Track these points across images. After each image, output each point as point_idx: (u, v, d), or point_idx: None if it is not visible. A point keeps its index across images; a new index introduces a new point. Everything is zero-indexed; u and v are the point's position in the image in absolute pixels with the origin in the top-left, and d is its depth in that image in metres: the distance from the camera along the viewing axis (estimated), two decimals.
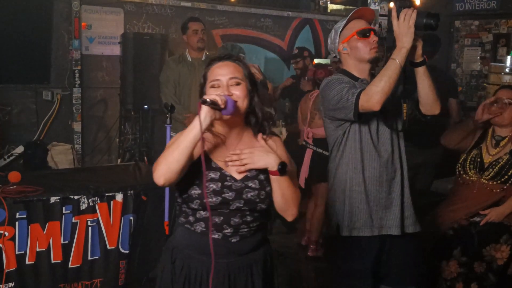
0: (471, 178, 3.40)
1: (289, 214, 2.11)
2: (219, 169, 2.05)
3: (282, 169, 1.99)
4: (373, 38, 2.68)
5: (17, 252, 3.25)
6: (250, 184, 2.05)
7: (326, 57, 8.01)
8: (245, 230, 2.08)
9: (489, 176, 3.33)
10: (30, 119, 5.58)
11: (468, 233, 3.31)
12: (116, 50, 5.93)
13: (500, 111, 3.34)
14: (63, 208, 3.38)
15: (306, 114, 4.97)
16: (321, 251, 4.95)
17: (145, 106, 5.61)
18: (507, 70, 5.34)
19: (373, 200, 2.68)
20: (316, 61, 7.58)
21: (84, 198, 3.46)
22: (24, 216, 3.24)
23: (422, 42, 2.53)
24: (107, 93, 6.03)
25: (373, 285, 2.77)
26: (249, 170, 2.04)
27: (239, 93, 2.02)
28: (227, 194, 2.00)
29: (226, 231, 2.04)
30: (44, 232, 3.31)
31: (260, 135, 2.08)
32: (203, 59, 4.90)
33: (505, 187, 3.30)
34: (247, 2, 7.28)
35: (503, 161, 3.31)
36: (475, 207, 3.36)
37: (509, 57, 5.51)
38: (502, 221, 3.29)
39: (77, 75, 5.78)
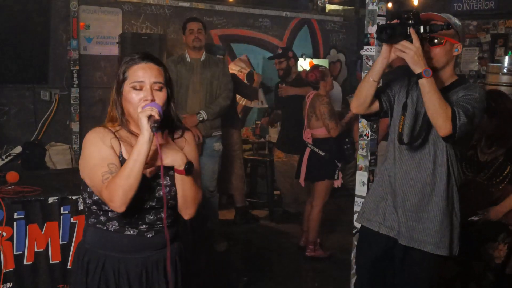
0: (468, 178, 3.41)
1: (187, 213, 2.12)
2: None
3: (188, 169, 1.99)
4: None
5: (15, 253, 3.24)
6: (161, 181, 2.02)
7: (324, 57, 8.03)
8: (160, 225, 2.09)
9: (485, 176, 3.34)
10: (28, 119, 5.58)
11: (466, 232, 3.32)
12: (114, 50, 5.93)
13: None
14: (61, 208, 3.37)
15: (304, 115, 4.99)
16: (319, 251, 4.95)
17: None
18: (505, 70, 5.35)
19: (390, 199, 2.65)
20: (314, 61, 7.60)
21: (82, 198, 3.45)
22: (22, 216, 3.23)
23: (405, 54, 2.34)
24: (105, 93, 6.02)
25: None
26: (158, 168, 2.00)
27: (162, 99, 2.02)
28: (140, 193, 1.97)
29: (142, 227, 2.06)
30: (42, 232, 3.31)
31: (166, 133, 2.10)
32: (202, 59, 4.88)
33: (501, 187, 3.31)
34: (246, 2, 7.29)
35: (499, 162, 3.32)
36: (472, 206, 3.37)
37: (507, 57, 5.52)
38: (500, 219, 3.30)
39: (75, 75, 5.77)
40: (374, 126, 3.29)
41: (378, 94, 2.60)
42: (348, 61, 8.33)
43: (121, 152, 2.02)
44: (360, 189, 3.34)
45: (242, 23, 7.18)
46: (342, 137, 5.18)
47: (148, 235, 2.08)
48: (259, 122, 7.02)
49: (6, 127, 5.45)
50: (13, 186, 3.35)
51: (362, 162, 3.33)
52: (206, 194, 5.02)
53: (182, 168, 1.99)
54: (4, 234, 3.19)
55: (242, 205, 5.98)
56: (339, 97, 6.01)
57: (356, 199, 3.35)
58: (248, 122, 7.28)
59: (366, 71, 3.26)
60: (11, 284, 3.24)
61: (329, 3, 8.35)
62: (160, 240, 2.10)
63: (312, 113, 4.90)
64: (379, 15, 3.22)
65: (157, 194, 2.05)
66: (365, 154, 3.31)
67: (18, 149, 5.16)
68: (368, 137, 3.29)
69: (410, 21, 2.32)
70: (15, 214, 3.21)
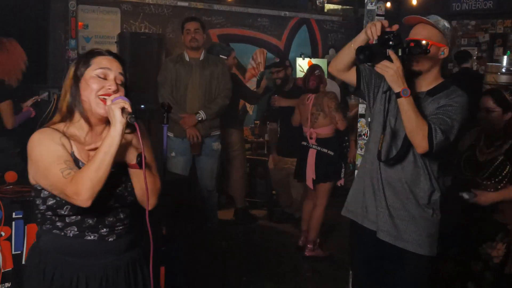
0: (467, 178, 3.41)
1: (148, 204, 2.05)
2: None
3: (140, 162, 1.93)
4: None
5: (13, 252, 3.24)
6: (115, 179, 1.99)
7: (322, 57, 8.03)
8: (120, 228, 2.05)
9: (484, 176, 3.34)
10: None
11: (465, 232, 3.32)
12: (112, 50, 5.90)
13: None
14: None
15: (306, 115, 4.97)
16: (319, 251, 4.95)
17: (142, 106, 5.60)
18: (503, 70, 5.36)
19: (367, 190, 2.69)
20: (313, 61, 7.60)
21: None
22: (21, 216, 3.23)
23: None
24: None
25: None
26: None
27: (123, 94, 1.99)
28: (99, 192, 1.89)
29: (102, 231, 2.01)
30: None
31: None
32: (201, 59, 4.88)
33: (500, 186, 3.31)
34: (244, 2, 7.29)
35: (498, 162, 3.32)
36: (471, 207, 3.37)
37: (505, 57, 5.53)
38: (498, 219, 3.30)
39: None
40: None
41: (359, 72, 2.64)
42: None
43: (73, 151, 1.96)
44: None
45: (240, 22, 7.18)
46: (342, 136, 5.19)
47: (110, 239, 2.03)
48: (258, 122, 7.02)
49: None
50: (11, 186, 3.34)
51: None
52: (205, 194, 5.03)
53: (134, 162, 1.95)
54: (3, 234, 3.18)
55: (242, 205, 5.98)
56: (337, 97, 6.01)
57: None
58: (247, 122, 7.28)
59: None
60: (10, 284, 3.23)
61: (328, 2, 8.35)
62: (122, 244, 2.07)
63: (319, 111, 4.90)
64: (377, 15, 3.22)
65: (118, 190, 2.00)
66: (363, 153, 3.31)
67: (16, 149, 5.15)
68: (367, 136, 3.29)
69: (390, 42, 2.35)
70: (14, 213, 3.21)
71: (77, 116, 2.00)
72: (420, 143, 2.39)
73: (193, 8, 6.59)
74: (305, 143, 5.00)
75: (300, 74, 6.87)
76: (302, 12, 7.96)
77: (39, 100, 4.77)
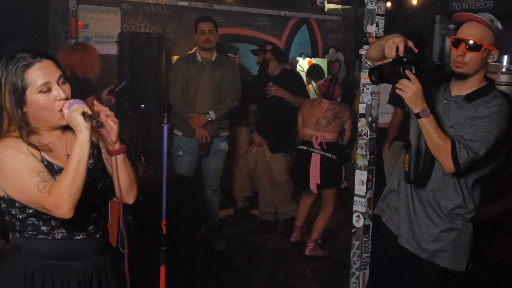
0: None
1: (131, 196, 2.10)
2: (62, 169, 1.90)
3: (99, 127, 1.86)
4: (462, 50, 2.35)
5: None
6: (95, 176, 1.99)
7: (323, 57, 8.03)
8: (103, 223, 2.06)
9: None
10: None
11: None
12: (113, 50, 5.92)
13: None
14: None
15: (318, 118, 4.96)
16: (319, 250, 4.95)
17: (142, 106, 5.60)
18: (503, 70, 5.35)
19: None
20: (313, 61, 7.60)
21: None
22: None
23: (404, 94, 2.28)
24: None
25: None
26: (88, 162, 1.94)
27: (68, 91, 1.92)
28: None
29: (89, 228, 2.00)
30: None
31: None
32: (212, 59, 4.88)
33: (500, 188, 3.31)
34: (244, 1, 7.28)
35: (499, 162, 3.32)
36: None
37: (505, 56, 5.52)
38: (497, 218, 3.30)
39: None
40: (373, 125, 3.29)
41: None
42: (347, 61, 8.33)
43: (43, 157, 1.90)
44: (359, 188, 3.34)
45: (240, 22, 7.17)
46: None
47: (97, 236, 2.03)
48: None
49: None
50: None
51: (361, 161, 3.33)
52: (209, 193, 5.04)
53: (112, 148, 1.93)
54: None
55: (242, 205, 5.97)
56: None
57: (355, 198, 3.35)
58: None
59: (366, 71, 3.27)
60: None
61: (328, 2, 8.34)
62: (106, 240, 2.08)
63: (335, 118, 4.95)
64: (378, 14, 3.22)
65: (98, 186, 2.00)
66: (364, 153, 3.31)
67: None
68: (367, 136, 3.30)
69: (404, 59, 2.25)
70: None
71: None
72: (445, 164, 2.31)
73: (193, 8, 6.58)
74: (305, 148, 4.99)
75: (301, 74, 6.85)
76: (302, 11, 7.96)
77: (112, 88, 5.02)
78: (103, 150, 2.07)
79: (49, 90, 1.88)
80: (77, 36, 5.77)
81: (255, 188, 6.17)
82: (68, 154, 1.95)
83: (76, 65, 4.62)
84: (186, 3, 6.53)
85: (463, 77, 2.39)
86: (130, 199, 2.11)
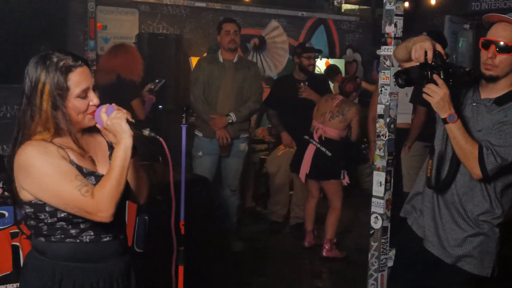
0: None
1: (143, 196, 2.11)
2: (91, 172, 1.94)
3: (134, 147, 1.91)
4: (492, 52, 2.28)
5: None
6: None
7: (340, 57, 8.01)
8: (122, 224, 2.08)
9: None
10: None
11: None
12: None
13: None
14: None
15: (325, 111, 4.98)
16: (335, 251, 4.93)
17: (160, 106, 5.63)
18: None
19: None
20: (330, 61, 7.58)
21: None
22: None
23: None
24: None
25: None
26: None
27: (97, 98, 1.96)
28: None
29: (114, 230, 2.00)
30: None
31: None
32: (234, 61, 4.87)
33: None
34: (262, 2, 7.29)
35: None
36: None
37: None
38: None
39: (92, 75, 5.80)
40: (392, 126, 3.27)
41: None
42: (364, 61, 8.30)
43: (71, 160, 1.89)
44: (378, 190, 3.32)
45: (258, 23, 7.17)
46: (350, 142, 5.18)
47: (121, 237, 2.04)
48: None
49: None
50: None
51: (379, 162, 3.31)
52: (227, 193, 5.04)
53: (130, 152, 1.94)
54: (24, 232, 3.22)
55: (250, 205, 5.95)
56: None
57: (373, 199, 3.33)
58: (264, 121, 7.28)
59: (384, 71, 3.25)
60: None
61: (345, 2, 8.32)
62: (126, 240, 2.09)
63: (340, 114, 4.93)
64: (396, 15, 3.20)
65: None
66: (382, 154, 3.29)
67: None
68: (385, 137, 3.28)
69: (432, 63, 2.22)
70: None
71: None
72: (473, 170, 2.27)
73: (211, 9, 6.61)
74: (307, 137, 5.02)
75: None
76: (319, 12, 7.95)
77: (152, 87, 5.04)
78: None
79: (86, 95, 1.91)
80: (96, 37, 5.82)
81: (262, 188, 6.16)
82: (90, 157, 1.97)
83: (122, 68, 4.61)
84: (203, 4, 6.56)
85: (493, 79, 2.33)
86: (141, 199, 2.13)
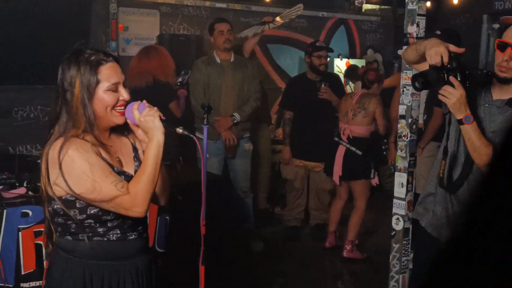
0: None
1: (165, 197, 2.15)
2: (121, 172, 1.99)
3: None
4: (508, 55, 2.25)
5: None
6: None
7: (360, 58, 7.96)
8: (145, 223, 2.12)
9: None
10: None
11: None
12: None
13: None
14: None
15: (346, 110, 4.95)
16: (356, 252, 4.90)
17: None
18: None
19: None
20: (350, 61, 7.55)
21: None
22: None
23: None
24: None
25: None
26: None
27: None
28: None
29: (139, 228, 2.05)
30: None
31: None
32: (231, 60, 4.86)
33: None
34: (282, 2, 7.28)
35: None
36: None
37: None
38: None
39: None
40: (414, 127, 3.25)
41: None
42: (385, 61, 8.25)
43: (103, 158, 1.94)
44: (399, 191, 3.29)
45: None
46: (379, 138, 5.14)
47: (144, 235, 2.09)
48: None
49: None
50: None
51: (401, 163, 3.28)
52: (240, 195, 5.05)
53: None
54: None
55: (264, 207, 5.90)
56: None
57: (394, 200, 3.31)
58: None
59: (406, 72, 3.22)
60: None
61: (366, 2, 8.27)
62: (147, 239, 2.14)
63: (361, 109, 4.88)
64: (419, 15, 3.17)
65: None
66: (404, 155, 3.27)
67: None
68: (407, 138, 3.25)
69: (449, 66, 2.22)
70: None
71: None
72: (480, 163, 2.28)
73: (231, 10, 6.62)
74: (336, 139, 4.99)
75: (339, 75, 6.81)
76: (340, 12, 7.91)
77: (181, 80, 5.00)
78: (139, 151, 2.12)
79: (116, 90, 1.94)
80: (118, 38, 5.87)
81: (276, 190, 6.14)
82: (118, 157, 2.01)
83: (156, 70, 4.60)
84: (224, 5, 6.58)
85: (507, 81, 2.32)
86: (162, 201, 2.17)
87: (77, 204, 1.90)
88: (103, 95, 1.91)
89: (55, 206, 1.93)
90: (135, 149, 2.09)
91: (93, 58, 1.91)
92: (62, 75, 1.93)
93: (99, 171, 1.86)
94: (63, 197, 1.90)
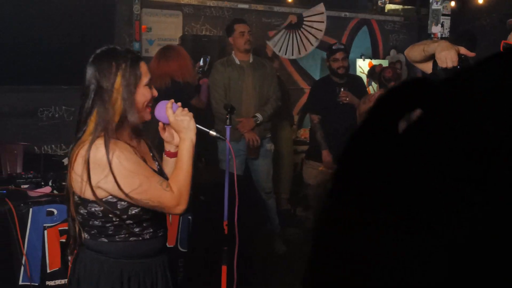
0: None
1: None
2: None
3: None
4: None
5: None
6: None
7: (383, 58, 7.91)
8: (166, 220, 2.18)
9: None
10: None
11: None
12: None
13: None
14: None
15: (365, 112, 4.91)
16: None
17: None
18: None
19: None
20: (373, 62, 7.50)
21: None
22: None
23: None
24: None
25: None
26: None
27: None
28: None
29: (165, 224, 2.12)
30: None
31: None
32: (250, 61, 4.85)
33: None
34: (304, 3, 7.27)
35: None
36: None
37: None
38: None
39: None
40: None
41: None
42: (408, 62, 8.17)
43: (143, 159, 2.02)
44: None
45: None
46: None
47: (167, 232, 2.16)
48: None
49: (73, 127, 5.62)
50: None
51: None
52: (263, 196, 5.03)
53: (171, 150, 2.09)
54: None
55: (286, 207, 5.85)
56: None
57: None
58: (306, 122, 7.25)
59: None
60: None
61: (389, 3, 8.21)
62: (168, 235, 2.20)
63: None
64: (443, 15, 3.15)
65: None
66: None
67: None
68: None
69: (458, 67, 2.19)
70: None
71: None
72: None
73: (253, 10, 6.62)
74: None
75: (362, 76, 6.77)
76: (362, 13, 7.87)
77: (202, 65, 5.02)
78: (154, 152, 2.18)
79: (150, 86, 1.99)
80: (141, 39, 5.92)
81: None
82: (142, 157, 2.01)
83: (176, 72, 4.55)
84: (246, 6, 6.59)
85: None
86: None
87: (118, 205, 1.90)
88: (142, 91, 1.95)
89: (93, 209, 1.91)
90: (151, 150, 2.11)
91: (130, 54, 1.95)
92: (95, 72, 1.92)
93: (145, 171, 1.91)
94: (104, 199, 1.89)
